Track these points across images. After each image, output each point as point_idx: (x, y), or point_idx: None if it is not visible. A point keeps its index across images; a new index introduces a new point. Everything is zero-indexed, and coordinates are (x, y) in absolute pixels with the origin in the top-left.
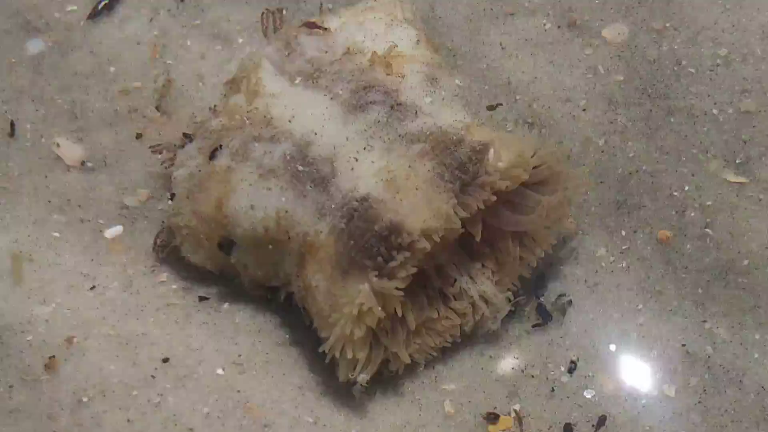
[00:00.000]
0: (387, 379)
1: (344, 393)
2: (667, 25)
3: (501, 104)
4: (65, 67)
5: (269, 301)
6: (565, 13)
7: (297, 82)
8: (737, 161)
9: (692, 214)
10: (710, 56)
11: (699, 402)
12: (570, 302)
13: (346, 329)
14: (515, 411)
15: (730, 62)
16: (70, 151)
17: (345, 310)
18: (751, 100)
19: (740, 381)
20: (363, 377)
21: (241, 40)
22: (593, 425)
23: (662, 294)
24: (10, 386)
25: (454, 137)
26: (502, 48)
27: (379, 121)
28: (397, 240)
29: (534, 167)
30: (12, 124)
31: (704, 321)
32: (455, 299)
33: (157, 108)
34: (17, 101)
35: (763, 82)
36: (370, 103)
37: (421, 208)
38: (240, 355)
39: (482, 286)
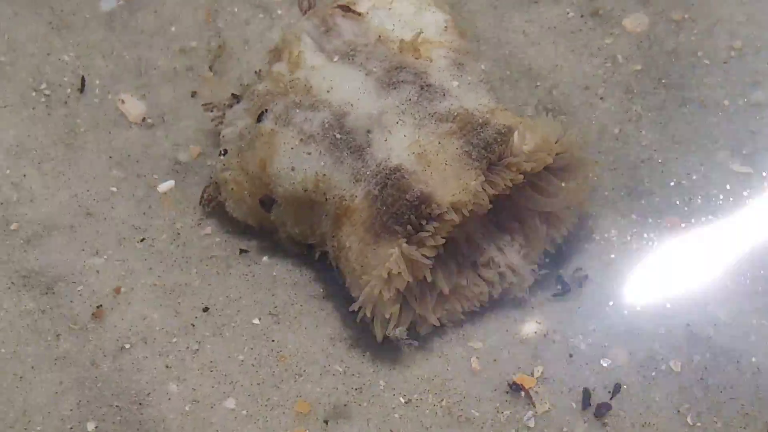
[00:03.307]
0: (415, 335)
1: (374, 346)
2: (686, 16)
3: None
4: (133, 25)
5: (305, 256)
6: (589, 2)
7: (335, 60)
8: (744, 152)
9: (698, 202)
10: (725, 48)
11: (701, 378)
12: (586, 276)
13: (375, 290)
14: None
15: (744, 54)
16: (134, 107)
17: (375, 272)
18: (762, 93)
19: (737, 361)
20: (400, 329)
21: (280, 12)
22: (609, 392)
23: (668, 276)
24: (58, 335)
25: (480, 119)
26: (525, 35)
27: (410, 99)
28: (426, 210)
29: (557, 153)
30: (83, 80)
31: (707, 304)
32: (484, 268)
33: (210, 68)
34: (89, 57)
35: None
36: (402, 81)
37: (450, 182)
38: (276, 306)
39: (510, 258)
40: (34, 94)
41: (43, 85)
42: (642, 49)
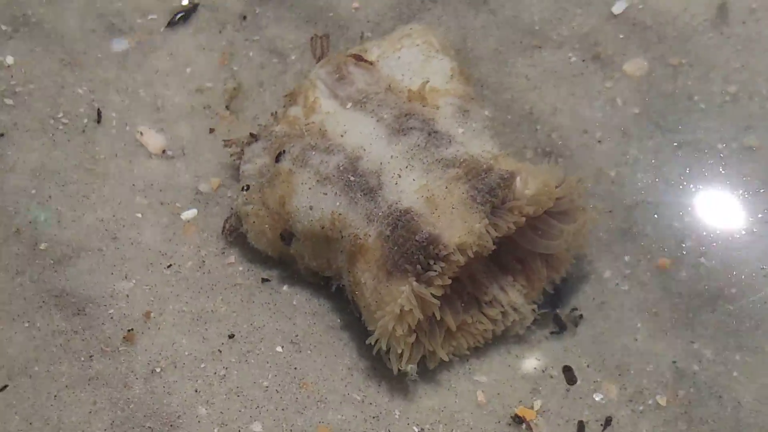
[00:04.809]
0: (425, 369)
1: (389, 377)
2: (683, 61)
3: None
4: (148, 65)
5: (323, 287)
6: (591, 47)
7: (348, 106)
8: (737, 195)
9: (689, 244)
10: (720, 93)
11: (685, 412)
12: (581, 316)
13: (389, 326)
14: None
15: (738, 99)
16: (153, 139)
17: (388, 308)
18: (754, 137)
19: (720, 396)
20: (412, 367)
21: (293, 57)
22: (601, 424)
23: (658, 316)
24: (90, 356)
25: (485, 165)
26: (527, 79)
27: (418, 145)
28: (434, 251)
29: (557, 198)
30: (99, 112)
31: (693, 342)
32: (487, 306)
33: (227, 107)
34: (103, 91)
35: (766, 120)
36: (411, 128)
37: (456, 224)
38: (297, 335)
39: (513, 297)
40: (52, 122)
41: (60, 114)
42: (640, 93)
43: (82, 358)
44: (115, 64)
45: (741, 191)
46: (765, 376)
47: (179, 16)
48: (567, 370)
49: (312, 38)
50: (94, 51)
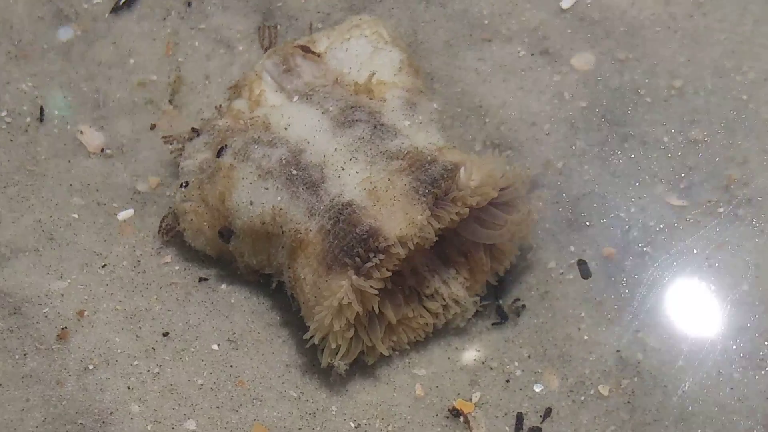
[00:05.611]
0: (364, 364)
1: (326, 373)
2: (630, 56)
3: None
4: (91, 57)
5: (262, 285)
6: (539, 41)
7: (294, 99)
8: (681, 186)
9: (635, 234)
10: (666, 87)
11: (628, 402)
12: (524, 306)
13: (326, 320)
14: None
15: (684, 93)
16: (92, 138)
17: (326, 303)
18: (699, 130)
19: (665, 385)
20: (341, 364)
21: (241, 48)
22: (540, 416)
23: (602, 305)
24: (25, 354)
25: (429, 157)
26: (477, 73)
27: (363, 138)
28: (374, 243)
29: (501, 189)
30: (42, 110)
31: (637, 331)
32: (428, 299)
33: (170, 101)
34: (47, 87)
35: (710, 113)
36: (356, 120)
37: (397, 217)
38: (234, 333)
39: (454, 290)
40: None
41: (4, 113)
42: (588, 87)
43: (17, 356)
44: (60, 55)
45: (686, 183)
46: (711, 366)
47: (123, 0)
48: (581, 264)
49: (260, 28)
50: (40, 41)
